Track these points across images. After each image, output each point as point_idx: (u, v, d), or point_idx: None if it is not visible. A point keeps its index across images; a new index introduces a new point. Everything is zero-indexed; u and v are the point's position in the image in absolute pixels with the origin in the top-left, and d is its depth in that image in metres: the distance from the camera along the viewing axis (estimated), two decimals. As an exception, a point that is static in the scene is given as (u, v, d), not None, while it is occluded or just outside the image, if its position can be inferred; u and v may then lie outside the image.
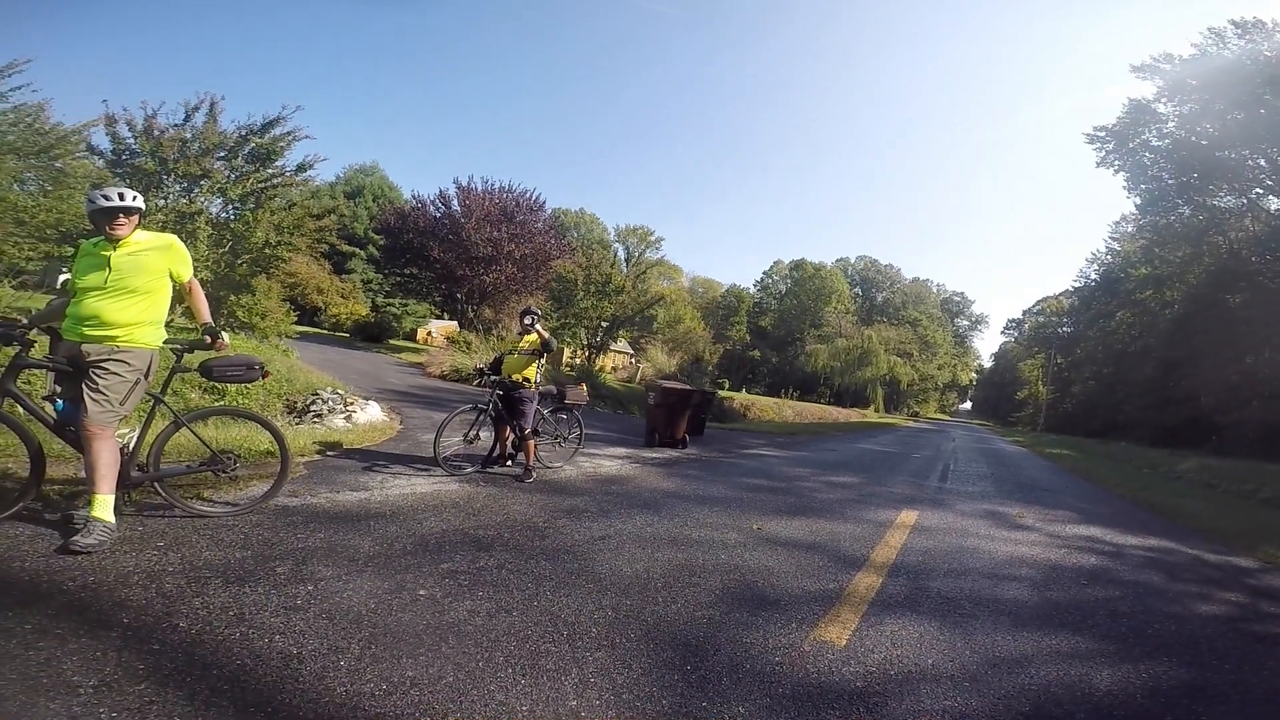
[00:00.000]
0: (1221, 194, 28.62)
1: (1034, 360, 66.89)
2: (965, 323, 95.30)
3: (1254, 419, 23.32)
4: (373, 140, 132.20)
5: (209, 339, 3.58)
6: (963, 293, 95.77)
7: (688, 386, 12.05)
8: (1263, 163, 26.36)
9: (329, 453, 6.14)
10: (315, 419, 8.06)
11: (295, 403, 8.66)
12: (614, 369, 39.75)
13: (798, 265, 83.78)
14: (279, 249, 15.19)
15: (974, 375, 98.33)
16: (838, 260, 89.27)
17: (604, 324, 27.00)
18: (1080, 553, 5.89)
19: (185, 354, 3.72)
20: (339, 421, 8.06)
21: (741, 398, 37.75)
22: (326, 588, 2.92)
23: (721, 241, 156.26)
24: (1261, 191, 27.53)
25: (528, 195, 35.21)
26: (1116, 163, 30.71)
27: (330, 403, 8.59)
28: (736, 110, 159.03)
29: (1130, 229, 38.91)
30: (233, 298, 14.36)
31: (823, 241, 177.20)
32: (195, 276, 3.60)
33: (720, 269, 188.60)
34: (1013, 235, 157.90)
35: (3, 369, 3.21)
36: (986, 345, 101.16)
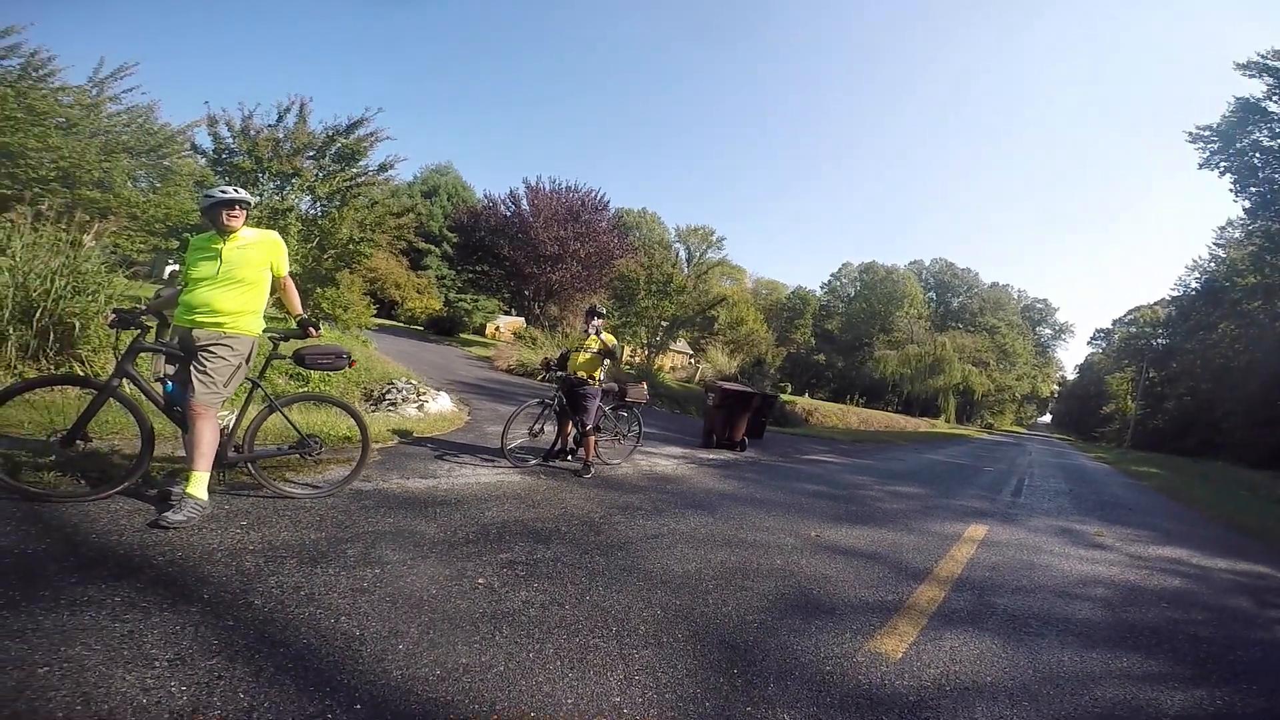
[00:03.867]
0: (1340, 198, 25.92)
1: (1123, 373, 62.37)
2: (1048, 332, 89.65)
3: (1370, 442, 20.99)
4: (448, 141, 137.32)
5: (306, 329, 3.88)
6: (1046, 300, 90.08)
7: (748, 388, 11.92)
8: (1389, 163, 23.66)
9: (402, 440, 6.45)
10: (390, 407, 8.46)
11: (372, 391, 9.12)
12: (673, 369, 39.73)
13: (868, 268, 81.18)
14: (362, 245, 16.02)
15: (1055, 387, 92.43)
16: (911, 263, 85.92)
17: (664, 323, 27.05)
18: (1162, 574, 5.56)
19: (281, 341, 4.00)
20: (412, 410, 8.43)
21: (804, 402, 36.95)
22: (392, 571, 3.05)
23: (788, 242, 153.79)
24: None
25: (593, 195, 35.66)
26: (1222, 164, 28.40)
27: (404, 392, 9.00)
28: (808, 108, 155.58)
29: (1238, 234, 35.71)
30: (318, 290, 15.27)
31: (895, 243, 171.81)
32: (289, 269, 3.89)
33: (786, 270, 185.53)
34: (1103, 242, 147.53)
35: (122, 352, 3.55)
36: (1071, 356, 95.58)
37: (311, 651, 2.22)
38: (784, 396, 32.49)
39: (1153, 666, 3.28)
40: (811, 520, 5.79)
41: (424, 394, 9.12)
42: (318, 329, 3.99)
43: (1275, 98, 25.79)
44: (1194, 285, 42.98)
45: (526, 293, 35.88)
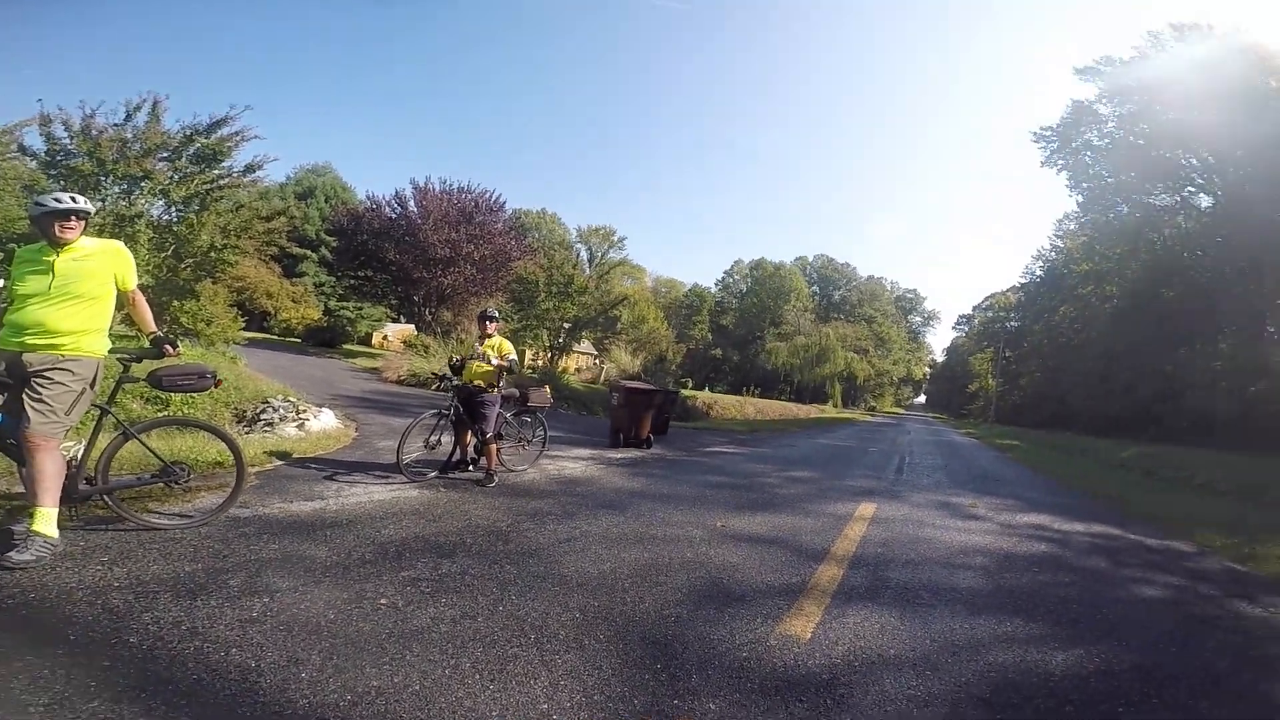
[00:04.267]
0: (1157, 192, 30.12)
1: (983, 354, 69.25)
2: (918, 319, 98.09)
3: (1188, 408, 24.65)
4: (326, 140, 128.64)
5: (163, 347, 3.50)
6: (915, 290, 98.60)
7: (651, 386, 12.10)
8: (1194, 161, 27.82)
9: (281, 462, 5.97)
10: (266, 428, 7.81)
11: (244, 411, 8.37)
12: (577, 370, 39.60)
13: (758, 264, 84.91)
14: (225, 252, 14.66)
15: (927, 370, 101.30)
16: (796, 259, 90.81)
17: (566, 325, 26.85)
18: (1030, 540, 6.11)
19: (134, 363, 3.58)
20: (291, 430, 7.83)
21: (705, 396, 38.08)
22: (283, 599, 2.86)
23: (685, 241, 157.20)
24: (1193, 190, 29.06)
25: (487, 196, 34.83)
26: (1060, 162, 31.91)
27: (281, 411, 8.34)
28: (699, 111, 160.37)
29: (1072, 226, 40.43)
30: (176, 303, 13.80)
31: (782, 240, 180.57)
32: (139, 281, 3.49)
33: (683, 269, 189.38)
34: (964, 235, 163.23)
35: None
36: (938, 341, 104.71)
37: (204, 686, 2.10)
38: (686, 392, 33.28)
39: (1034, 629, 3.56)
40: (717, 511, 5.95)
41: (304, 411, 8.50)
42: (176, 347, 3.61)
43: (1105, 100, 29.52)
44: (1038, 273, 48.38)
45: (416, 298, 34.40)
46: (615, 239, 75.49)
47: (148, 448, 3.73)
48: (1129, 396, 28.74)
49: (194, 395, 7.38)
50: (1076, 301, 38.45)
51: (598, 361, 43.96)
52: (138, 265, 3.54)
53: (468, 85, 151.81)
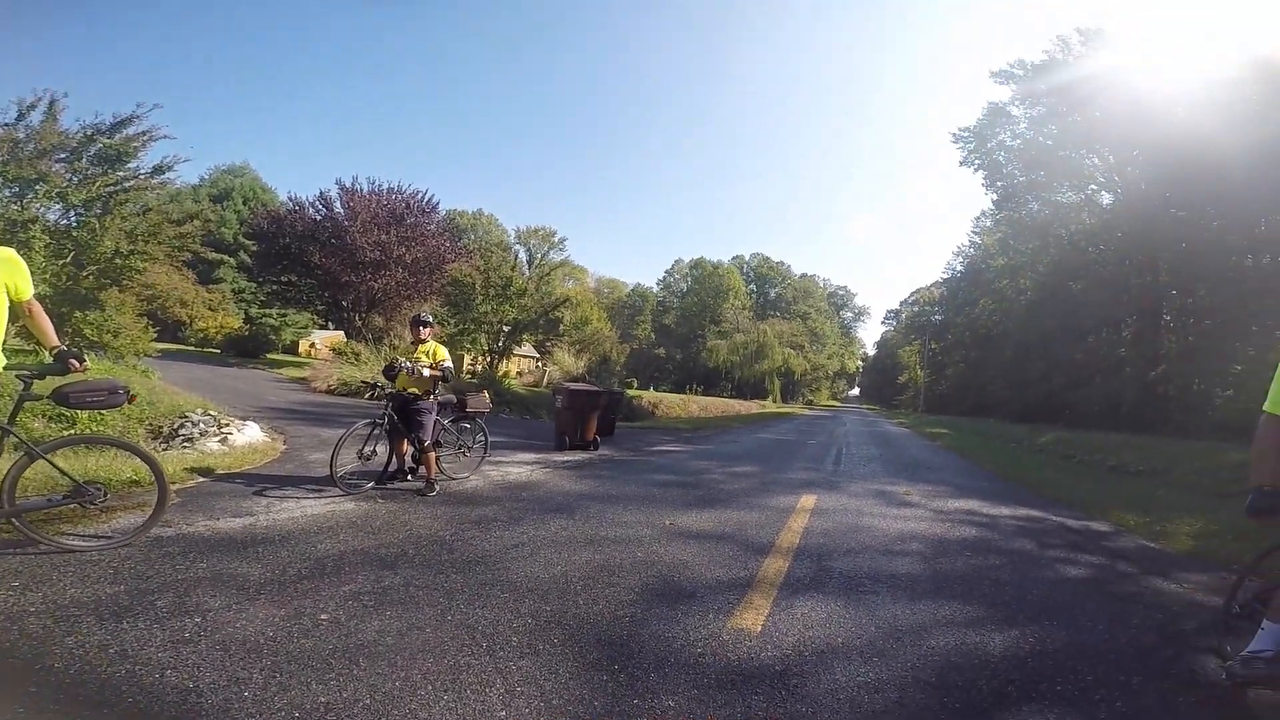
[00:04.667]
0: (1064, 190, 32.32)
1: (911, 347, 72.53)
2: (850, 314, 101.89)
3: (1096, 393, 26.57)
4: (244, 140, 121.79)
5: (67, 362, 3.25)
6: (846, 286, 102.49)
7: (596, 387, 12.09)
8: (1096, 161, 29.98)
9: (205, 479, 5.65)
10: (185, 443, 7.35)
11: (161, 427, 7.84)
12: (519, 374, 39.06)
13: (697, 264, 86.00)
14: (131, 259, 13.67)
15: (860, 363, 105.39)
16: (734, 258, 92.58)
17: (506, 328, 26.37)
18: (962, 525, 6.40)
19: (36, 380, 3.32)
20: (213, 445, 7.40)
21: (650, 396, 38.25)
22: (216, 618, 2.75)
23: (626, 241, 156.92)
24: (1095, 188, 31.37)
25: (418, 196, 33.78)
26: (976, 161, 33.75)
27: (202, 425, 7.86)
28: (640, 110, 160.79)
29: (989, 223, 42.96)
30: (78, 314, 12.75)
31: (719, 240, 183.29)
32: (35, 290, 3.23)
33: (625, 268, 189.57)
34: (891, 232, 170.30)
35: None
36: (869, 335, 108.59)
37: (142, 710, 2.03)
38: (630, 392, 33.38)
39: (971, 612, 3.70)
40: (665, 509, 6.01)
41: (226, 425, 8.05)
42: (82, 361, 3.36)
43: (1018, 103, 31.41)
44: (959, 268, 51.23)
45: (345, 303, 33.01)
46: (556, 240, 74.77)
47: (57, 468, 3.52)
48: (1044, 384, 30.76)
49: (103, 413, 6.87)
50: (994, 295, 40.85)
51: (540, 364, 43.56)
52: (33, 273, 3.27)
53: (396, 84, 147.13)
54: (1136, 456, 14.01)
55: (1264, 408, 2.65)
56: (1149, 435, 18.49)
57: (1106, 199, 30.88)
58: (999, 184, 33.98)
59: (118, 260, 13.37)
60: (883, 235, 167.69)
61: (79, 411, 6.37)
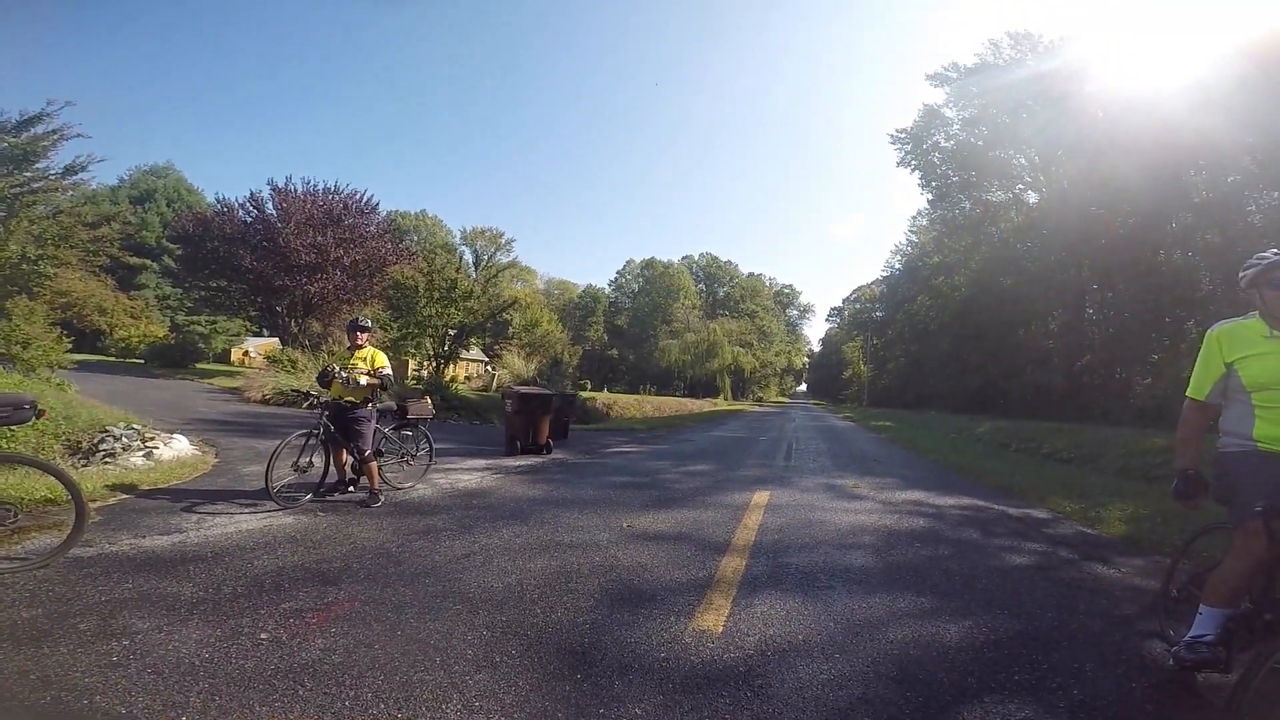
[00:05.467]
0: (994, 189, 33.88)
1: (854, 343, 74.73)
2: (795, 312, 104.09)
3: (1029, 383, 27.93)
4: (169, 139, 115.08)
5: None
6: (791, 285, 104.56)
7: (546, 390, 11.92)
8: (1024, 161, 31.56)
9: (128, 495, 5.27)
10: (107, 459, 6.84)
11: (79, 443, 7.28)
12: (467, 378, 38.24)
13: (648, 264, 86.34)
14: (40, 264, 12.75)
15: (806, 360, 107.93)
16: (683, 258, 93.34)
17: (451, 331, 25.75)
18: (910, 516, 6.49)
19: None
20: (138, 460, 6.92)
21: (604, 397, 38.13)
22: (146, 640, 2.58)
23: (576, 242, 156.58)
24: (1023, 187, 33.05)
25: (356, 197, 32.68)
26: (913, 162, 35.01)
27: (125, 439, 7.34)
28: (590, 111, 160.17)
29: (925, 222, 44.62)
30: (-19, 324, 11.79)
31: (669, 240, 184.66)
32: None
33: (576, 270, 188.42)
34: (834, 230, 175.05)
35: None
36: (814, 332, 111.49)
37: None
38: (584, 394, 33.21)
39: (925, 604, 3.70)
40: (622, 511, 5.94)
41: (151, 439, 7.57)
42: None
43: (951, 105, 32.68)
44: (898, 266, 52.92)
45: (279, 309, 31.62)
46: (503, 241, 73.70)
47: None
48: (980, 375, 32.13)
49: (13, 429, 6.33)
50: (931, 291, 42.40)
51: (489, 368, 42.75)
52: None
53: (337, 82, 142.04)
54: (1067, 443, 14.59)
55: (1186, 394, 2.79)
56: (1077, 422, 19.45)
57: (1033, 198, 32.57)
58: (934, 184, 35.35)
59: (25, 265, 12.47)
60: (827, 234, 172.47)
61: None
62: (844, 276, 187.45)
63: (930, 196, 36.67)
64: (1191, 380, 2.74)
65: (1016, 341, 30.34)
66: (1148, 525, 6.24)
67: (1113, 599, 4.04)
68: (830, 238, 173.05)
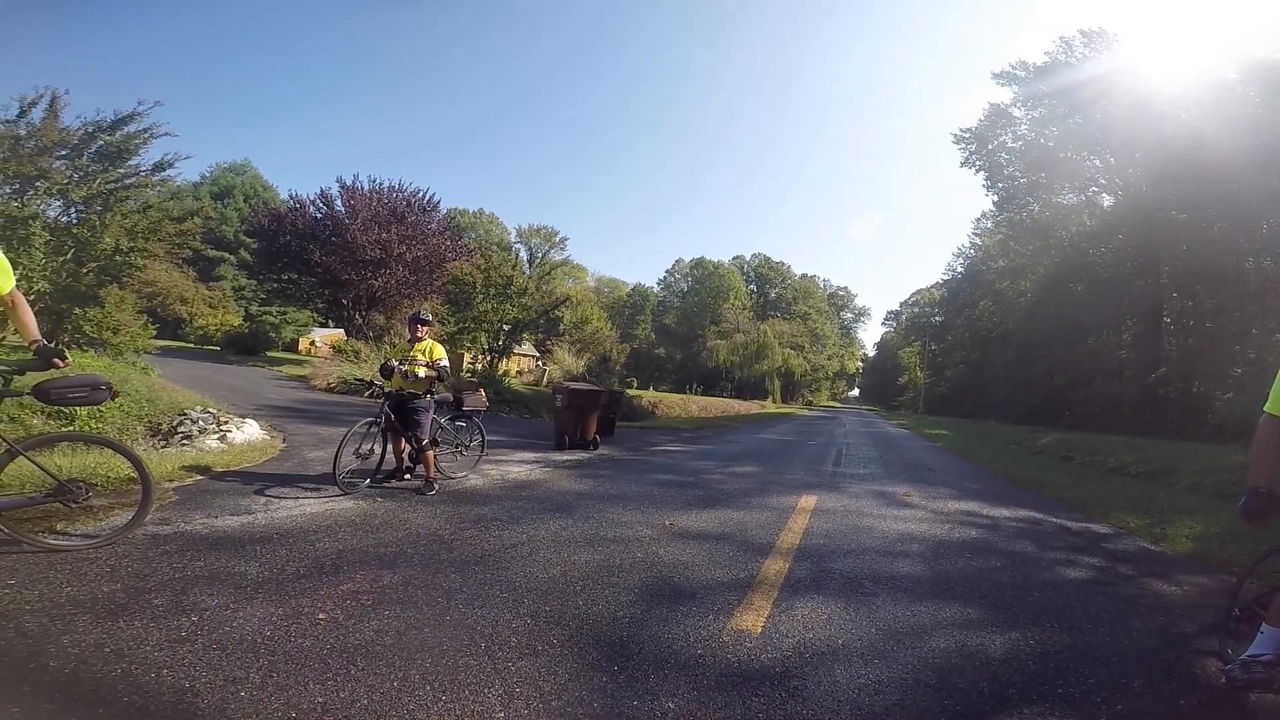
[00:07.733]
0: (1065, 192, 32.30)
1: (911, 348, 72.57)
2: (850, 315, 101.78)
3: (1097, 395, 26.53)
4: (247, 138, 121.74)
5: (50, 359, 3.19)
6: (846, 287, 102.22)
7: (596, 387, 12.05)
8: (1097, 163, 30.03)
9: (203, 476, 5.62)
10: (184, 441, 7.32)
11: (160, 425, 7.82)
12: (519, 373, 39.02)
13: (698, 263, 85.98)
14: (132, 255, 13.67)
15: (860, 364, 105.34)
16: (734, 258, 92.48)
17: (506, 327, 26.34)
18: (962, 527, 6.31)
19: (15, 376, 3.28)
20: (212, 442, 7.37)
21: (650, 395, 38.28)
22: (213, 617, 2.73)
23: (628, 241, 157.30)
24: (1097, 190, 31.39)
25: (419, 195, 33.79)
26: (978, 162, 33.79)
27: (201, 423, 7.84)
28: (642, 110, 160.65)
29: (989, 225, 42.91)
30: (78, 310, 12.73)
31: (720, 239, 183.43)
32: (33, 287, 3.19)
33: (625, 268, 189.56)
34: (893, 232, 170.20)
35: None
36: (869, 336, 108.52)
37: (137, 710, 2.00)
38: (630, 392, 33.42)
39: (971, 614, 3.63)
40: (665, 509, 5.97)
41: (226, 423, 8.03)
42: (65, 358, 3.28)
43: (1019, 105, 31.36)
44: (959, 270, 51.17)
45: (345, 301, 32.98)
46: (556, 239, 74.79)
47: (38, 465, 3.48)
48: (1044, 385, 30.72)
49: (100, 409, 6.85)
50: (995, 296, 40.83)
51: (540, 363, 43.51)
52: (32, 270, 3.25)
53: (401, 85, 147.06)
54: (1137, 458, 13.85)
55: (1264, 409, 2.62)
56: (1149, 437, 18.40)
57: (1107, 201, 30.89)
58: (1000, 186, 34.03)
59: (118, 257, 13.37)
60: (884, 236, 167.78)
61: (78, 409, 6.36)
62: (900, 280, 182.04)
63: (996, 199, 35.32)
64: (1271, 394, 2.57)
65: (1085, 351, 28.79)
66: (1217, 543, 5.91)
67: (1171, 616, 3.87)
68: (886, 239, 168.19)
